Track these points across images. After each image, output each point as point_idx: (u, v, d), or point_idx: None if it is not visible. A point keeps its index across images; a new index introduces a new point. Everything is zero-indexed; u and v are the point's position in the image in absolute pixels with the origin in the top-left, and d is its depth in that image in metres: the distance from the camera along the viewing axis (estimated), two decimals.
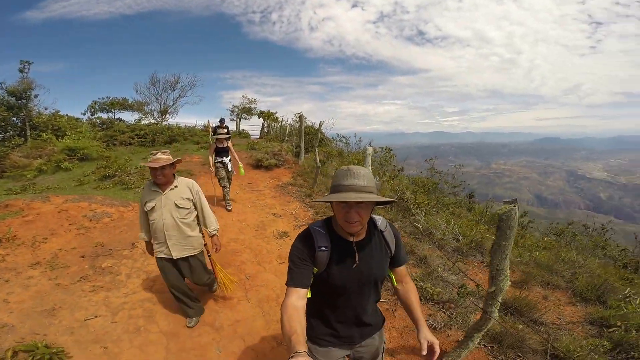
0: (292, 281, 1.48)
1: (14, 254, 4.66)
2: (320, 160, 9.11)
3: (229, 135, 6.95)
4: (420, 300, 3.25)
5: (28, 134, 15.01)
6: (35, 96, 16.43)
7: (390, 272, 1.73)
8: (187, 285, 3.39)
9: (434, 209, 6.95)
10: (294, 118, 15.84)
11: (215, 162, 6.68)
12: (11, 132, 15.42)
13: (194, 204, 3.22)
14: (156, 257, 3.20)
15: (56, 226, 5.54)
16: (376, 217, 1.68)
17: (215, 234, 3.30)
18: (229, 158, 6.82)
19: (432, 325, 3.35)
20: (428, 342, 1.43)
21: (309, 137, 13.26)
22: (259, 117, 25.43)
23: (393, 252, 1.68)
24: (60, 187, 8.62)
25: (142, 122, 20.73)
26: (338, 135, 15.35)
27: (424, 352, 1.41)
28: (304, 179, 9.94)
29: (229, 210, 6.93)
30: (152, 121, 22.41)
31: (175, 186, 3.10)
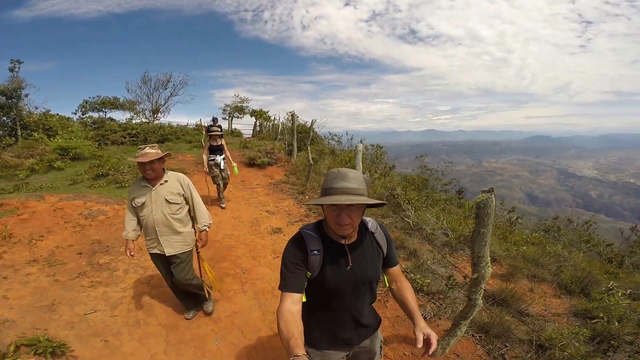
0: (286, 286, 1.48)
1: (10, 251, 4.70)
2: (312, 158, 9.21)
3: (221, 133, 7.01)
4: None
5: (19, 133, 14.88)
6: (26, 95, 16.30)
7: (384, 273, 1.74)
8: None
9: (424, 205, 7.10)
10: (286, 117, 15.90)
11: (208, 161, 6.75)
12: (1, 131, 15.27)
13: (185, 199, 3.16)
14: (149, 253, 3.16)
15: (52, 224, 5.58)
16: (367, 218, 1.69)
17: (205, 230, 3.19)
18: (222, 157, 6.87)
19: (423, 315, 3.46)
20: (424, 334, 1.40)
21: (301, 135, 13.34)
22: (251, 116, 25.35)
23: (385, 253, 1.69)
24: (54, 186, 8.61)
25: (134, 121, 20.60)
26: (330, 134, 15.42)
27: (419, 345, 1.37)
28: (296, 177, 10.03)
29: (222, 208, 7.01)
30: (144, 120, 22.27)
31: (166, 181, 3.04)
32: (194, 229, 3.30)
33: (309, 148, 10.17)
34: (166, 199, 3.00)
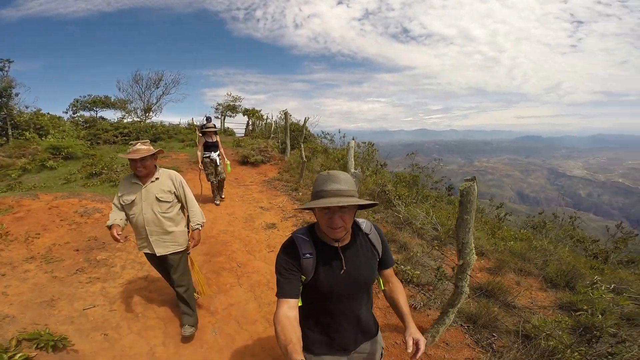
0: (282, 292, 1.47)
1: (8, 249, 4.73)
2: (305, 156, 9.33)
3: (216, 129, 7.05)
4: (401, 282, 3.48)
5: (10, 133, 14.74)
6: (16, 95, 16.13)
7: (379, 274, 1.73)
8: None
9: (415, 201, 7.26)
10: (279, 115, 15.99)
11: (203, 157, 6.78)
12: None
13: (177, 197, 3.03)
14: (143, 252, 3.09)
15: (48, 222, 5.60)
16: (360, 220, 1.68)
17: (197, 228, 3.06)
18: (217, 153, 6.89)
19: (412, 305, 3.60)
20: (414, 339, 1.43)
21: (295, 133, 13.45)
22: (244, 115, 25.34)
23: (381, 254, 1.67)
24: (47, 185, 8.58)
25: (125, 120, 20.45)
26: (323, 133, 15.55)
27: (409, 350, 1.40)
28: (290, 174, 10.16)
29: (217, 205, 7.09)
30: (136, 119, 22.12)
31: (157, 178, 2.93)
32: (187, 228, 3.18)
33: (302, 146, 10.28)
34: (157, 197, 2.88)
